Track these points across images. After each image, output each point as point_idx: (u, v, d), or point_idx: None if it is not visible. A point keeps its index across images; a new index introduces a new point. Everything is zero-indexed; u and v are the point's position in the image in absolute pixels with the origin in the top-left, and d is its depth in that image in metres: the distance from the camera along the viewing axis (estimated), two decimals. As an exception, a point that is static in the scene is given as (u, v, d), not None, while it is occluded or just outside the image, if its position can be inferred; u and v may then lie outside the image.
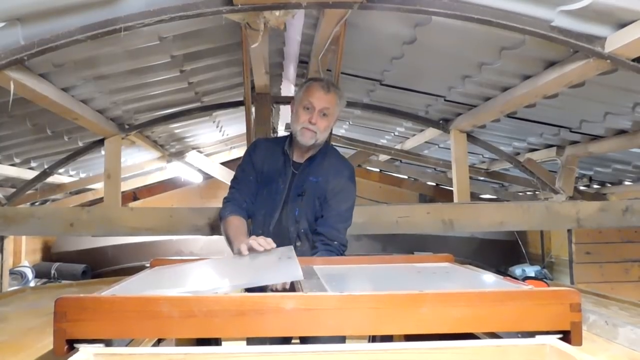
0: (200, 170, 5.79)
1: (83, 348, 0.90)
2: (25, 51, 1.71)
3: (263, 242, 1.54)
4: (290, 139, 1.95)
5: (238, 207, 1.86)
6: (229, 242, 1.75)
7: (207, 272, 1.51)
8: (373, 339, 1.73)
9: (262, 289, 1.36)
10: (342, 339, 1.47)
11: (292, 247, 1.60)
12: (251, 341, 1.59)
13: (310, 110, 1.84)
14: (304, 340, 1.49)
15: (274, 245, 1.56)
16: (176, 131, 4.35)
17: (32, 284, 4.97)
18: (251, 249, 1.54)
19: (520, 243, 5.92)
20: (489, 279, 1.35)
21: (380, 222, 2.77)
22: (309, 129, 1.83)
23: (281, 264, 1.39)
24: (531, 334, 0.97)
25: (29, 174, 3.62)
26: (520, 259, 5.93)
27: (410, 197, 6.73)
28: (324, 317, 0.94)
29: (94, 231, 2.80)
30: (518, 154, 3.91)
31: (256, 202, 1.92)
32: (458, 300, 0.97)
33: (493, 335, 1.06)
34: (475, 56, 2.32)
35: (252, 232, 1.93)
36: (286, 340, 1.41)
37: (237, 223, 1.80)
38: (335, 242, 1.85)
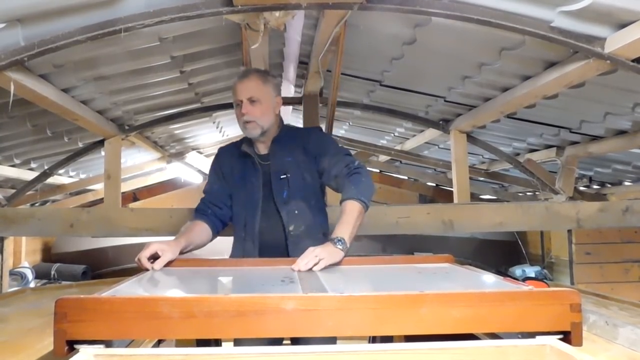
0: (200, 171, 5.78)
1: (83, 349, 0.90)
2: (25, 52, 1.71)
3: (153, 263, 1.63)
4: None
5: (201, 214, 1.93)
6: None
7: (204, 283, 1.48)
8: (373, 339, 1.73)
9: None
10: (332, 340, 1.45)
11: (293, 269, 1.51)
12: (239, 342, 1.49)
13: (239, 106, 1.87)
14: (294, 341, 1.47)
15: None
16: (176, 132, 4.35)
17: (32, 285, 4.96)
18: (139, 261, 1.63)
19: (520, 243, 5.92)
20: (489, 280, 1.35)
21: (380, 223, 2.77)
22: (246, 122, 1.86)
23: (284, 288, 1.31)
24: (531, 335, 0.97)
25: (29, 175, 3.62)
26: (520, 260, 5.93)
27: (410, 198, 6.72)
28: (324, 317, 0.94)
29: (94, 232, 2.79)
30: (518, 154, 3.91)
31: (235, 206, 1.94)
32: (458, 301, 0.97)
33: (493, 335, 1.06)
34: (475, 57, 2.32)
35: (235, 235, 1.97)
36: (277, 342, 1.36)
37: (189, 226, 1.90)
38: (351, 166, 1.83)
